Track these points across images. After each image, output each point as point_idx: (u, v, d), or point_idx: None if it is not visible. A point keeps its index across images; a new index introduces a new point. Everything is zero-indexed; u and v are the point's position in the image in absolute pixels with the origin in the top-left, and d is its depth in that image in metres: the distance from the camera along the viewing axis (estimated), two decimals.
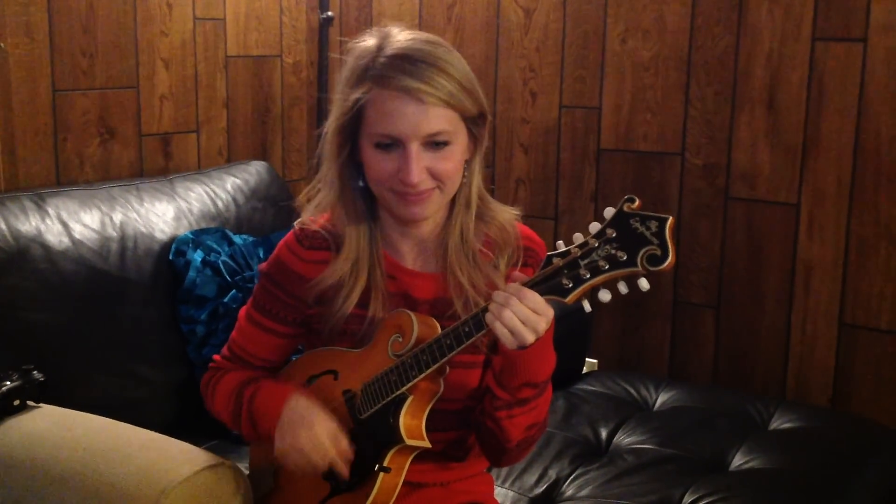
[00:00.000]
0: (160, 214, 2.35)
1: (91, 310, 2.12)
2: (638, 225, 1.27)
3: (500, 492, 1.99)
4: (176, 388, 2.24)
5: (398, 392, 1.46)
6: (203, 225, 2.42)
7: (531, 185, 3.01)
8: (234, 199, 2.56)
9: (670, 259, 1.25)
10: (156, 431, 1.64)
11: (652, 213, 1.27)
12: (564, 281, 1.32)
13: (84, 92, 2.49)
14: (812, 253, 2.62)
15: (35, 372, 1.68)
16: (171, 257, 2.29)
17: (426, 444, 1.48)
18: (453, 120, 1.45)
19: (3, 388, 1.64)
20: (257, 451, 1.70)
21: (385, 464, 1.47)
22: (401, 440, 1.46)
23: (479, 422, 1.54)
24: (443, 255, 1.56)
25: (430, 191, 1.47)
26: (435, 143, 1.45)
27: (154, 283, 2.25)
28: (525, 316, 1.34)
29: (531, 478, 2.08)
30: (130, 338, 2.18)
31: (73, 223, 2.17)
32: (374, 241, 1.55)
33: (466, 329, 1.40)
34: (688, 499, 1.96)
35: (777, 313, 2.69)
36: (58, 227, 2.14)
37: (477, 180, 1.55)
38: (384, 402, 1.47)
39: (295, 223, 1.60)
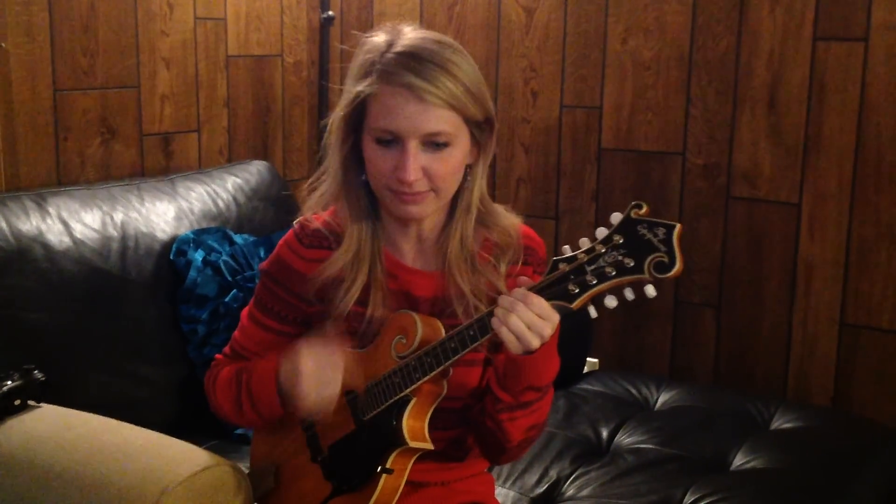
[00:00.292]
0: (161, 214, 2.35)
1: (92, 309, 2.12)
2: (645, 231, 1.26)
3: (500, 492, 1.99)
4: (177, 388, 2.24)
5: (402, 394, 1.45)
6: (204, 224, 2.42)
7: (532, 185, 3.01)
8: (235, 199, 2.56)
9: (678, 267, 1.24)
10: (156, 431, 1.63)
11: (660, 220, 1.26)
12: (571, 287, 1.32)
13: (85, 91, 2.48)
14: (813, 252, 2.62)
15: (36, 371, 1.68)
16: (171, 257, 2.29)
17: (429, 445, 1.48)
18: (455, 122, 1.45)
19: (4, 388, 1.64)
20: (258, 451, 1.70)
21: (388, 465, 1.47)
22: (404, 442, 1.45)
23: (479, 421, 1.54)
24: (443, 256, 1.56)
25: (425, 192, 1.47)
26: (434, 144, 1.45)
27: (155, 282, 2.25)
28: (531, 321, 1.34)
29: (532, 478, 2.08)
30: (131, 337, 2.18)
31: (73, 223, 2.17)
32: (375, 237, 1.55)
33: (472, 333, 1.39)
34: (688, 499, 1.96)
35: (778, 313, 2.68)
36: (59, 226, 2.14)
37: (479, 186, 1.54)
38: (387, 403, 1.47)
39: (295, 222, 1.61)
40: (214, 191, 2.53)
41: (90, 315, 2.12)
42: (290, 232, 1.60)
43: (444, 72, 1.42)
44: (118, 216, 2.26)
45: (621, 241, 1.28)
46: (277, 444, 1.64)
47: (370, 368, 1.50)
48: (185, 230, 2.36)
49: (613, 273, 1.28)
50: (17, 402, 1.65)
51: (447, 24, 3.05)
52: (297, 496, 1.60)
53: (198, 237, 2.32)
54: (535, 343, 1.36)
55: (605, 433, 2.28)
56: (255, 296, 1.64)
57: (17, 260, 2.03)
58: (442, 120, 1.43)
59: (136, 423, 1.66)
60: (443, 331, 1.46)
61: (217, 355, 1.70)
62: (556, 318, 1.36)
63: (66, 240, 2.13)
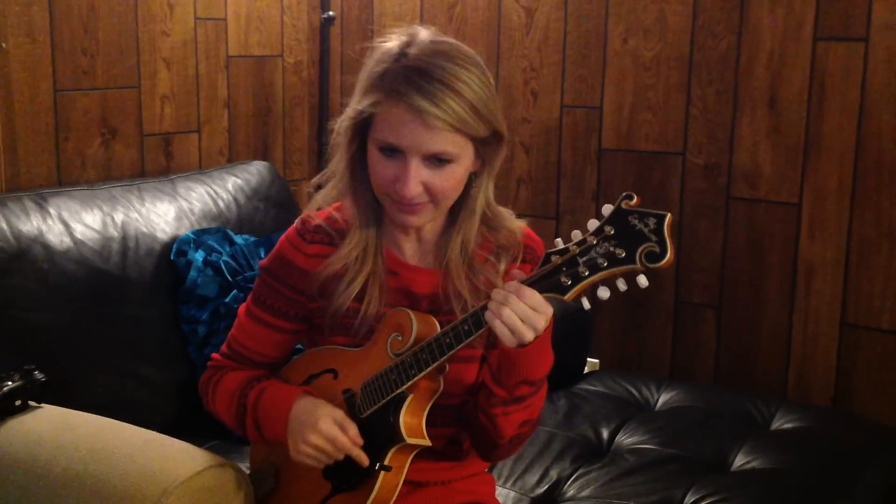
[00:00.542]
0: (161, 214, 2.35)
1: (92, 310, 2.13)
2: (636, 222, 1.27)
3: (501, 492, 1.99)
4: (177, 388, 2.24)
5: (398, 391, 1.46)
6: (204, 225, 2.42)
7: (532, 185, 3.01)
8: (236, 199, 2.56)
9: (669, 256, 1.25)
10: (157, 431, 1.64)
11: (650, 210, 1.26)
12: (563, 279, 1.32)
13: (85, 92, 2.49)
14: (813, 253, 2.62)
15: (36, 372, 1.68)
16: (172, 257, 2.29)
17: (426, 442, 1.48)
18: (459, 142, 1.45)
19: (5, 389, 1.64)
20: (258, 451, 1.70)
21: (386, 462, 1.47)
22: (401, 439, 1.46)
23: (473, 417, 1.55)
24: (443, 255, 1.56)
25: (424, 204, 1.48)
26: (437, 160, 1.45)
27: (155, 283, 2.25)
28: (524, 314, 1.34)
29: (532, 478, 2.08)
30: (132, 338, 2.18)
31: (74, 223, 2.17)
32: (379, 235, 1.56)
33: (466, 327, 1.40)
34: (689, 499, 1.96)
35: (778, 313, 2.68)
36: (59, 227, 2.14)
37: (484, 193, 1.55)
38: (384, 400, 1.47)
39: (297, 219, 1.61)
40: (215, 191, 2.53)
41: (90, 315, 2.12)
42: (291, 228, 1.61)
43: (450, 92, 1.41)
44: (119, 216, 2.26)
45: (612, 232, 1.28)
46: (277, 446, 1.64)
47: (367, 366, 1.50)
48: (185, 230, 2.36)
49: (605, 264, 1.28)
50: (18, 403, 1.66)
51: (447, 24, 3.05)
52: (297, 496, 1.60)
53: (198, 237, 2.32)
54: (529, 336, 1.36)
55: (605, 433, 2.28)
56: (254, 293, 1.64)
57: (18, 260, 2.04)
58: (446, 142, 1.43)
59: (137, 424, 1.66)
60: (438, 327, 1.46)
61: (214, 354, 1.70)
62: (549, 310, 1.36)
63: (67, 240, 2.13)
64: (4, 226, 2.05)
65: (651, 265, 1.26)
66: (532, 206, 2.99)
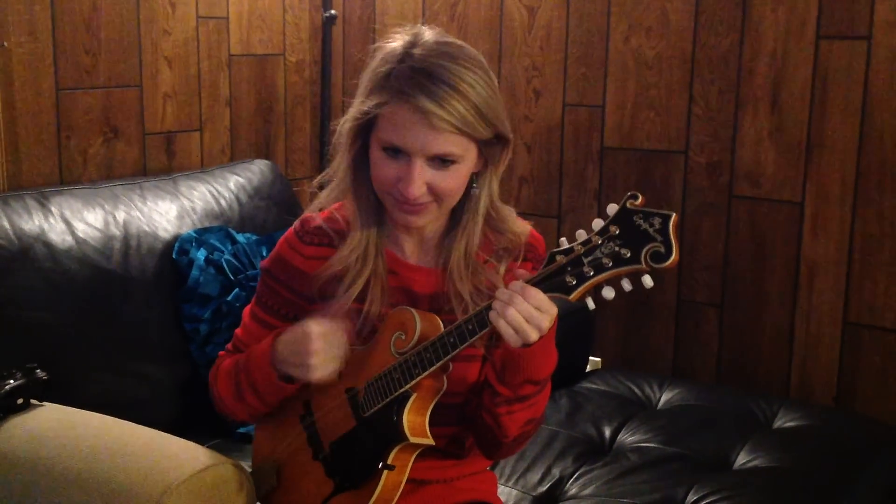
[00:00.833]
0: (163, 213, 2.35)
1: (94, 308, 2.13)
2: (641, 222, 1.26)
3: (503, 490, 1.99)
4: (179, 387, 2.24)
5: (402, 390, 1.46)
6: (206, 223, 2.42)
7: (534, 184, 3.01)
8: (238, 198, 2.56)
9: (674, 256, 1.24)
10: (159, 430, 1.64)
11: (655, 210, 1.26)
12: (568, 278, 1.32)
13: (87, 91, 2.49)
14: (816, 251, 2.61)
15: (38, 370, 1.68)
16: (174, 256, 2.29)
17: (430, 441, 1.48)
18: (463, 144, 1.45)
19: (7, 387, 1.64)
20: (259, 451, 1.70)
21: (389, 461, 1.47)
22: (404, 438, 1.46)
23: (477, 415, 1.54)
24: (445, 256, 1.56)
25: (427, 204, 1.48)
26: (441, 160, 1.45)
27: (157, 281, 2.25)
28: (529, 314, 1.34)
29: (535, 476, 2.08)
30: (133, 336, 2.18)
31: (76, 222, 2.17)
32: (380, 235, 1.56)
33: (470, 327, 1.40)
34: (691, 497, 1.96)
35: (781, 312, 2.68)
36: (61, 225, 2.14)
37: (488, 193, 1.55)
38: (387, 399, 1.47)
39: (297, 220, 1.61)
40: (217, 190, 2.53)
41: (92, 314, 2.12)
42: (290, 230, 1.61)
43: (456, 94, 1.41)
44: (120, 215, 2.26)
45: (617, 232, 1.28)
46: (279, 444, 1.64)
47: (370, 365, 1.50)
48: (187, 229, 2.36)
49: (610, 264, 1.28)
50: (20, 401, 1.66)
51: (449, 23, 3.05)
52: (300, 495, 1.60)
53: (200, 236, 2.32)
54: (534, 336, 1.36)
55: (607, 432, 2.28)
56: (257, 293, 1.65)
57: (20, 259, 2.04)
58: (450, 143, 1.43)
59: (139, 422, 1.66)
60: (441, 326, 1.46)
61: (220, 352, 1.70)
62: (553, 310, 1.36)
63: (69, 239, 2.13)
64: (6, 224, 2.05)
65: (656, 265, 1.25)
66: (534, 204, 2.99)
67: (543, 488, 2.05)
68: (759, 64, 2.63)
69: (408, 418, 1.46)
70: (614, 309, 2.91)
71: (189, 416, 2.19)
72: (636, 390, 2.50)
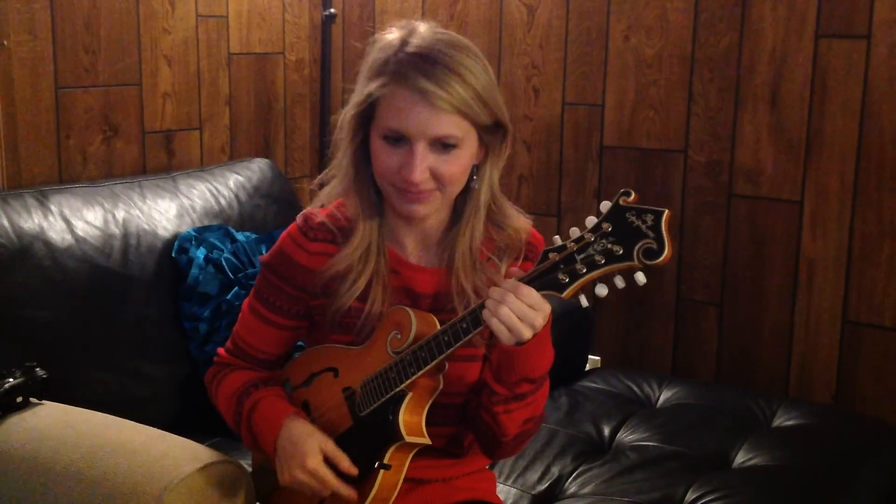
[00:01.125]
0: (163, 212, 2.35)
1: (94, 307, 2.13)
2: (634, 218, 1.26)
3: (502, 489, 1.99)
4: (178, 386, 2.25)
5: (397, 389, 1.46)
6: (206, 222, 2.42)
7: (534, 182, 3.01)
8: (237, 197, 2.56)
9: (666, 253, 1.24)
10: (158, 428, 1.64)
11: (648, 207, 1.26)
12: (561, 276, 1.32)
13: (87, 89, 2.49)
14: (815, 250, 2.61)
15: (38, 369, 1.68)
16: (173, 254, 2.29)
17: (426, 440, 1.48)
18: (463, 126, 1.45)
19: (6, 385, 1.64)
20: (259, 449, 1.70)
21: (385, 461, 1.47)
22: (400, 437, 1.46)
23: (475, 415, 1.54)
24: (448, 254, 1.56)
25: (430, 191, 1.48)
26: (442, 145, 1.45)
27: (157, 280, 2.25)
28: (521, 312, 1.34)
29: (534, 475, 2.08)
30: (133, 335, 2.19)
31: (75, 220, 2.17)
32: (381, 233, 1.56)
33: (464, 325, 1.40)
34: (690, 496, 1.96)
35: (780, 310, 2.68)
36: (61, 224, 2.14)
37: (489, 186, 1.55)
38: (383, 399, 1.47)
39: (298, 215, 1.61)
40: (216, 188, 2.53)
41: (92, 312, 2.12)
42: (293, 225, 1.60)
43: (455, 76, 1.42)
44: (120, 214, 2.26)
45: (610, 229, 1.28)
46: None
47: (367, 364, 1.50)
48: (186, 228, 2.36)
49: (603, 261, 1.28)
50: (19, 400, 1.66)
51: (449, 21, 3.05)
52: (299, 493, 1.59)
53: (200, 235, 2.32)
54: (527, 334, 1.36)
55: (606, 430, 2.28)
56: (256, 288, 1.64)
57: (19, 258, 2.04)
58: (451, 125, 1.44)
59: (138, 421, 1.66)
60: (438, 325, 1.46)
61: (220, 350, 1.70)
62: (547, 308, 1.36)
63: (68, 237, 2.13)
64: (6, 223, 2.06)
65: (648, 262, 1.25)
66: (533, 203, 2.99)
67: (542, 487, 2.05)
68: (759, 63, 2.63)
69: (404, 418, 1.46)
70: (613, 308, 2.91)
71: (188, 414, 2.20)
72: (635, 389, 2.50)
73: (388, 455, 1.47)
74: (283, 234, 1.61)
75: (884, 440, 2.26)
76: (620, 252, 1.27)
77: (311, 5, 3.15)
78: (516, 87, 2.99)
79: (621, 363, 2.93)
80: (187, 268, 2.27)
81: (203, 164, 2.80)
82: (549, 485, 2.05)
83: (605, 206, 1.29)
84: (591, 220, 1.30)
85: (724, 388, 2.58)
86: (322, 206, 1.60)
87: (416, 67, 1.42)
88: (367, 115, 1.49)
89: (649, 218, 1.25)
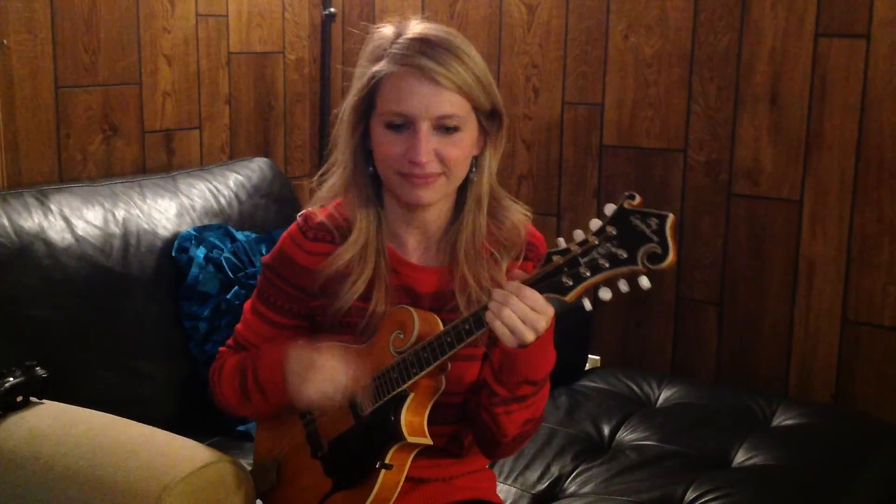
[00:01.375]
0: (163, 211, 2.35)
1: (94, 306, 2.13)
2: (638, 222, 1.26)
3: (502, 488, 1.99)
4: (178, 385, 2.25)
5: (399, 389, 1.46)
6: (206, 221, 2.42)
7: (533, 182, 3.01)
8: (237, 196, 2.56)
9: (671, 257, 1.24)
10: (158, 428, 1.64)
11: (653, 211, 1.26)
12: (564, 279, 1.32)
13: (87, 88, 2.49)
14: (815, 249, 2.62)
15: (38, 368, 1.68)
16: (173, 254, 2.29)
17: (428, 440, 1.48)
18: (465, 107, 1.47)
19: (7, 385, 1.64)
20: (261, 448, 1.70)
21: (387, 461, 1.47)
22: (402, 437, 1.46)
23: (475, 414, 1.54)
24: (450, 250, 1.56)
25: (436, 175, 1.48)
26: (445, 128, 1.46)
27: (157, 279, 2.25)
28: (524, 314, 1.34)
29: (534, 474, 2.08)
30: (133, 334, 2.19)
31: (75, 220, 2.17)
32: (381, 231, 1.56)
33: (467, 327, 1.40)
34: (690, 495, 1.96)
35: (780, 310, 2.68)
36: (60, 223, 2.14)
37: (488, 178, 1.55)
38: (386, 398, 1.47)
39: (298, 215, 1.61)
40: (216, 188, 2.53)
41: (92, 312, 2.12)
42: (293, 225, 1.60)
43: (455, 58, 1.45)
44: (120, 213, 2.26)
45: (614, 233, 1.27)
46: (279, 441, 1.64)
47: (369, 364, 1.50)
48: (186, 227, 2.36)
49: (607, 265, 1.28)
50: (20, 399, 1.66)
51: (449, 21, 3.05)
52: (299, 492, 1.60)
53: (199, 234, 2.32)
54: (530, 336, 1.36)
55: (606, 430, 2.28)
56: (258, 288, 1.64)
57: (19, 257, 2.04)
58: (453, 103, 1.45)
59: (138, 420, 1.67)
60: (440, 326, 1.46)
61: (222, 348, 1.70)
62: (550, 310, 1.36)
63: (68, 237, 2.13)
64: (6, 222, 2.06)
65: (653, 266, 1.25)
66: (533, 202, 2.99)
67: (542, 486, 2.05)
68: (759, 62, 2.63)
69: (405, 418, 1.46)
70: (613, 307, 2.91)
71: (188, 413, 2.19)
72: (635, 388, 2.50)
73: (389, 455, 1.47)
74: (284, 234, 1.61)
75: (883, 439, 2.26)
76: (625, 256, 1.27)
77: (310, 4, 3.15)
78: (516, 87, 2.99)
79: (621, 362, 2.93)
80: (187, 267, 2.27)
81: (203, 163, 2.80)
82: (549, 484, 2.05)
83: (610, 208, 1.29)
84: (595, 223, 1.30)
85: (723, 387, 2.58)
86: (322, 206, 1.61)
87: (416, 49, 1.45)
88: (368, 103, 1.50)
89: (654, 222, 1.25)
